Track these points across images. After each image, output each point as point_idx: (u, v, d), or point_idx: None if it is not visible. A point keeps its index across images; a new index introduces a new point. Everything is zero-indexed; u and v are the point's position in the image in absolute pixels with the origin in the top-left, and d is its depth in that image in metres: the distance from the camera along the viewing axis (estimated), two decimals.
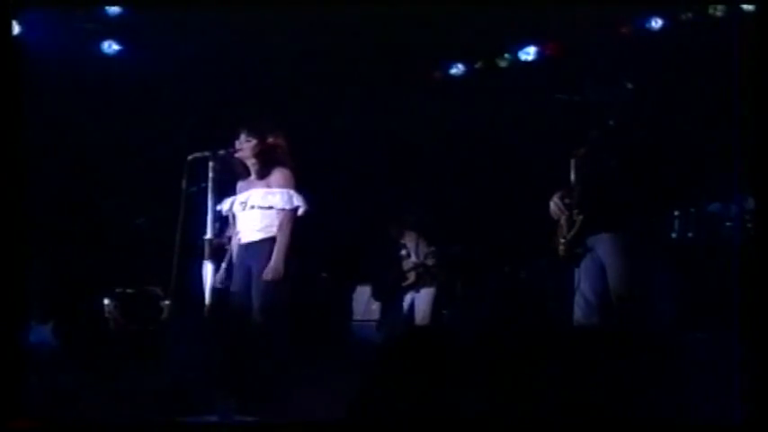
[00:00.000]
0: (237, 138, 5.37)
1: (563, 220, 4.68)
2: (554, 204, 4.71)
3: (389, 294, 8.45)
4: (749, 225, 6.01)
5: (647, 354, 3.04)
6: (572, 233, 4.61)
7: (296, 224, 5.31)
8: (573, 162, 4.65)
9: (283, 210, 5.26)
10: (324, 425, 3.84)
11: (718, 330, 4.71)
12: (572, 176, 4.65)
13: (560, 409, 2.84)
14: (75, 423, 4.42)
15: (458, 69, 9.36)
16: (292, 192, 5.30)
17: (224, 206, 5.41)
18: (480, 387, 2.89)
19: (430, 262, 8.15)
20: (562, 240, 4.66)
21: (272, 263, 5.22)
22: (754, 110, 3.60)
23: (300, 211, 5.31)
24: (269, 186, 5.33)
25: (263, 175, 5.38)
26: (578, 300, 4.64)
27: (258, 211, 5.30)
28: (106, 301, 7.45)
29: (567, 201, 4.66)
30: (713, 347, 4.33)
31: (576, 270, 4.65)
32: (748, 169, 3.70)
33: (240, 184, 5.50)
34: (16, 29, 7.19)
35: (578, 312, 4.63)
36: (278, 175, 5.33)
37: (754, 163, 3.61)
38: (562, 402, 2.85)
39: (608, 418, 2.84)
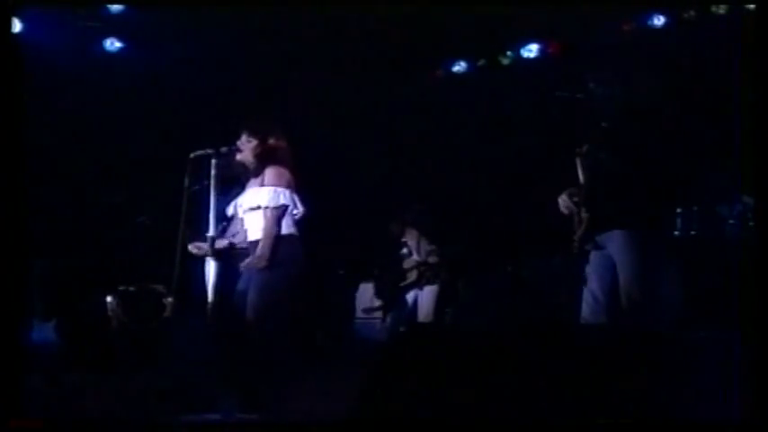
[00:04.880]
0: (239, 138, 5.32)
1: (573, 218, 4.68)
2: (562, 201, 4.71)
3: (392, 293, 8.44)
4: (751, 224, 6.01)
5: (652, 352, 3.04)
6: (581, 230, 4.61)
7: (284, 221, 5.18)
8: (578, 160, 4.64)
9: (267, 208, 5.15)
10: (326, 423, 3.83)
11: (721, 329, 4.71)
12: (579, 174, 4.65)
13: (563, 406, 2.85)
14: (76, 423, 4.42)
15: (460, 67, 9.36)
16: (281, 189, 5.17)
17: (229, 208, 5.37)
18: (484, 385, 2.89)
19: (431, 260, 8.14)
20: (573, 237, 4.66)
21: (258, 252, 5.17)
22: (754, 108, 3.60)
23: (290, 210, 5.18)
24: (261, 185, 5.27)
25: (258, 174, 5.32)
26: (586, 297, 4.63)
27: (252, 211, 5.25)
28: (109, 299, 7.44)
29: (575, 198, 4.66)
30: (715, 346, 4.33)
31: (586, 267, 4.64)
32: (749, 168, 3.70)
33: (245, 185, 5.47)
34: (17, 27, 7.22)
35: (586, 310, 4.62)
36: (270, 173, 5.23)
37: (756, 161, 3.61)
38: (565, 400, 2.85)
39: (610, 416, 2.84)
